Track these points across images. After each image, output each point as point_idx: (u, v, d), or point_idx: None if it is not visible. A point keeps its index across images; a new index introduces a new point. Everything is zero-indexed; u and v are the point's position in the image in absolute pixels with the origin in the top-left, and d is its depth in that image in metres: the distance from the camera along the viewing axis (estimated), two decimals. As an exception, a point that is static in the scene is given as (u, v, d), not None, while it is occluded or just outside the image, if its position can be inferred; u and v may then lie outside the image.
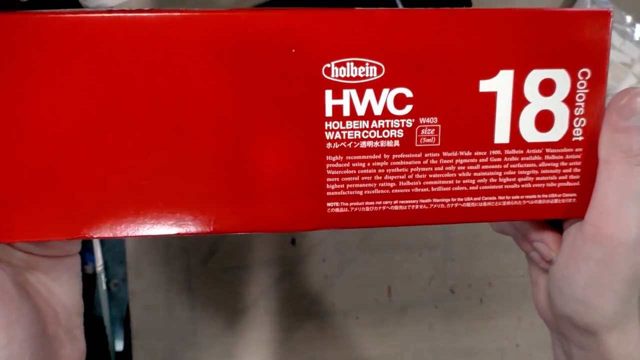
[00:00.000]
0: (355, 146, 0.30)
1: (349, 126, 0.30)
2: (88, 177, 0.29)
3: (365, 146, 0.30)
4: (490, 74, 0.30)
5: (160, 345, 0.66)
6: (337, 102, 0.29)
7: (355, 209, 0.31)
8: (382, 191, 0.31)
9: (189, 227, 0.30)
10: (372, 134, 0.30)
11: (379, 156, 0.30)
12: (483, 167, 0.31)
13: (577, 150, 0.31)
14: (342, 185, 0.30)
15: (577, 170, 0.31)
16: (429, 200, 0.31)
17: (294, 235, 0.65)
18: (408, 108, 0.30)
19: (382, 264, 0.66)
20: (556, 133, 0.31)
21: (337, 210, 0.31)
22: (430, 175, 0.31)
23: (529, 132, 0.30)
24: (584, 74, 0.30)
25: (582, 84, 0.30)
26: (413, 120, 0.30)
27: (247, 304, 0.66)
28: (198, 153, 0.29)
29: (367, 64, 0.29)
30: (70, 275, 0.34)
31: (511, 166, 0.31)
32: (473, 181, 0.31)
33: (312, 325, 0.67)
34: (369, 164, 0.30)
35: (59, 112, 0.28)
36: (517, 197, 0.31)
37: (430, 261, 0.66)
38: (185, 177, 0.30)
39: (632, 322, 0.33)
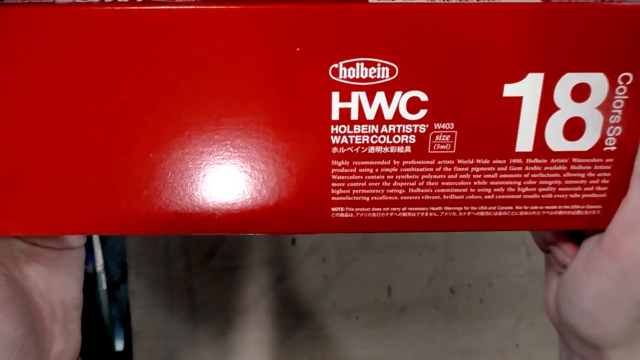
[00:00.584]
0: (362, 151, 0.28)
1: (356, 130, 0.27)
2: (89, 171, 0.28)
3: (373, 151, 0.28)
4: (517, 77, 0.27)
5: (160, 345, 0.65)
6: (345, 105, 0.27)
7: (361, 214, 0.29)
8: (391, 197, 0.29)
9: (191, 226, 0.29)
10: (382, 139, 0.28)
11: (388, 162, 0.28)
12: (501, 176, 0.28)
13: (607, 160, 0.28)
14: (348, 191, 0.29)
15: (605, 181, 0.29)
16: (439, 208, 0.29)
17: (294, 235, 0.65)
18: (422, 113, 0.27)
19: (382, 264, 0.65)
20: (586, 142, 0.28)
21: (341, 215, 0.29)
22: (443, 183, 0.28)
23: (556, 141, 0.28)
24: (625, 79, 0.27)
25: (621, 90, 0.27)
26: (427, 125, 0.27)
27: (247, 304, 0.65)
28: (196, 152, 0.28)
29: (378, 65, 0.26)
30: (71, 268, 0.33)
31: (532, 176, 0.28)
32: (489, 190, 0.29)
33: (312, 325, 0.66)
34: (377, 170, 0.28)
35: (55, 105, 0.27)
36: (536, 207, 0.29)
37: (430, 261, 0.65)
38: (186, 174, 0.28)
39: (639, 340, 0.31)
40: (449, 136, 0.28)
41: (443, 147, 0.28)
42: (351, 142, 0.28)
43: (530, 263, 0.66)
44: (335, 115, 0.27)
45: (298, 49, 0.26)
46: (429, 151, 0.28)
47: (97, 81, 0.27)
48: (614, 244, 0.29)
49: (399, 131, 0.28)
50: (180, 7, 0.26)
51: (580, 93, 0.27)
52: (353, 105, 0.27)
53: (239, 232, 0.29)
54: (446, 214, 0.29)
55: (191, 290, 0.65)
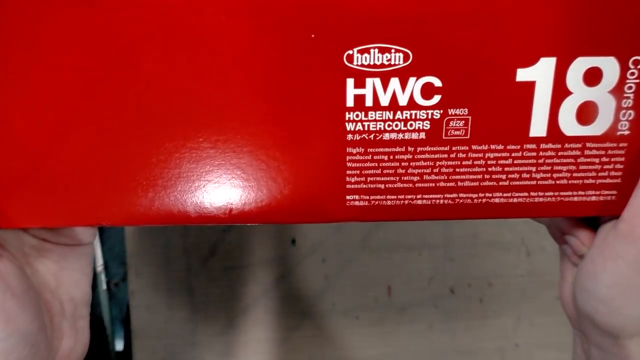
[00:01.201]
0: (377, 138, 0.28)
1: (371, 117, 0.27)
2: (103, 161, 0.28)
3: (388, 138, 0.28)
4: (530, 61, 0.27)
5: (160, 345, 0.65)
6: (359, 91, 0.27)
7: (376, 202, 0.29)
8: (405, 185, 0.29)
9: (207, 215, 0.29)
10: (396, 125, 0.28)
11: (403, 149, 0.28)
12: (515, 161, 0.28)
13: (621, 145, 0.28)
14: (363, 178, 0.28)
15: (619, 166, 0.28)
16: (454, 195, 0.29)
17: (294, 235, 0.65)
18: (436, 98, 0.27)
19: (382, 263, 0.65)
20: (599, 126, 0.28)
21: (356, 203, 0.29)
22: (458, 170, 0.28)
23: (569, 125, 0.28)
24: (636, 62, 0.27)
25: (632, 73, 0.27)
26: (441, 111, 0.27)
27: (247, 304, 0.65)
28: (211, 140, 0.28)
29: (392, 51, 0.26)
30: (81, 264, 0.33)
31: (547, 161, 0.28)
32: (504, 176, 0.29)
33: (312, 325, 0.66)
34: (391, 157, 0.28)
35: (69, 95, 0.27)
36: (551, 193, 0.29)
37: (430, 261, 0.65)
38: (201, 164, 0.28)
39: None
40: (463, 122, 0.28)
41: (457, 132, 0.28)
42: (366, 128, 0.28)
43: (530, 263, 0.66)
44: (350, 102, 0.27)
45: (313, 36, 0.26)
46: (444, 137, 0.28)
47: (112, 70, 0.27)
48: (630, 228, 0.28)
49: (413, 117, 0.28)
50: None
51: (592, 77, 0.27)
52: (367, 92, 0.27)
53: (254, 222, 0.29)
54: (461, 201, 0.29)
55: (191, 290, 0.64)
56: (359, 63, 0.27)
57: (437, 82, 0.27)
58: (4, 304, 0.28)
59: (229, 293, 0.65)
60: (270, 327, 0.65)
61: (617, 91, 0.27)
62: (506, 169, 0.29)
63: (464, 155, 0.28)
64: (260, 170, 0.28)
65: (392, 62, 0.27)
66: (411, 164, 0.28)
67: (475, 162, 0.28)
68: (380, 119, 0.28)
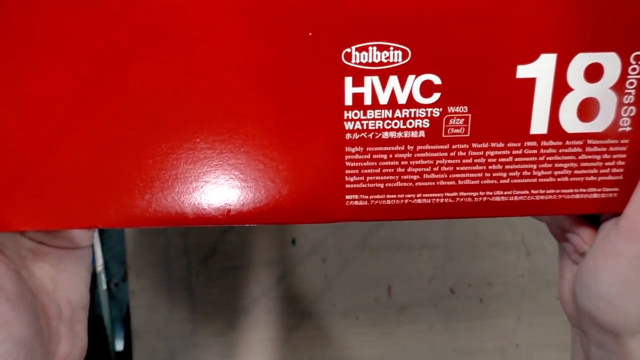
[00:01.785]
0: (376, 137, 0.27)
1: (370, 116, 0.27)
2: (99, 162, 0.27)
3: (387, 137, 0.27)
4: (530, 58, 0.26)
5: (160, 345, 0.65)
6: (358, 90, 0.27)
7: (376, 202, 0.28)
8: (405, 184, 0.28)
9: (204, 216, 0.29)
10: (395, 124, 0.27)
11: (402, 147, 0.28)
12: (516, 159, 0.28)
13: (622, 141, 0.28)
14: (362, 178, 0.28)
15: (621, 163, 0.28)
16: (455, 194, 0.29)
17: (294, 235, 0.64)
18: (435, 96, 0.27)
19: (382, 264, 0.65)
20: (601, 123, 0.27)
21: (356, 203, 0.28)
22: (458, 168, 0.28)
23: (570, 122, 0.27)
24: (638, 58, 0.27)
25: (634, 69, 0.27)
26: (440, 109, 0.27)
27: (247, 304, 0.64)
28: (208, 140, 0.27)
29: (391, 48, 0.26)
30: (78, 268, 0.33)
31: (547, 159, 0.28)
32: (504, 174, 0.28)
33: (312, 325, 0.66)
34: (391, 156, 0.28)
35: (64, 97, 0.26)
36: (552, 191, 0.29)
37: (430, 261, 0.65)
38: (199, 164, 0.28)
39: None
40: (463, 120, 0.27)
41: (457, 131, 0.28)
42: (365, 127, 0.27)
43: (530, 263, 0.65)
44: (348, 101, 0.27)
45: (310, 34, 0.26)
46: (443, 135, 0.28)
47: (107, 71, 0.26)
48: (632, 225, 0.28)
49: (412, 116, 0.27)
50: None
51: (593, 73, 0.27)
52: (366, 90, 0.27)
53: (253, 222, 0.29)
54: (462, 199, 0.29)
55: (191, 290, 0.64)
56: (357, 61, 0.26)
57: (436, 80, 0.27)
58: (0, 308, 0.27)
59: (229, 293, 0.65)
60: (270, 327, 0.65)
61: (619, 87, 0.27)
62: (507, 167, 0.28)
63: (464, 154, 0.28)
64: (258, 170, 0.28)
65: (391, 60, 0.26)
66: (411, 162, 0.28)
67: (476, 161, 0.28)
68: (379, 117, 0.27)
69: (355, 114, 0.27)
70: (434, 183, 0.28)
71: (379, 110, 0.27)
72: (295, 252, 0.65)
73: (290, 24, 0.26)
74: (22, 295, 0.29)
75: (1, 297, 0.28)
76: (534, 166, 0.28)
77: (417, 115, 0.27)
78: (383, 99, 0.27)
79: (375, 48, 0.26)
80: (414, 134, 0.28)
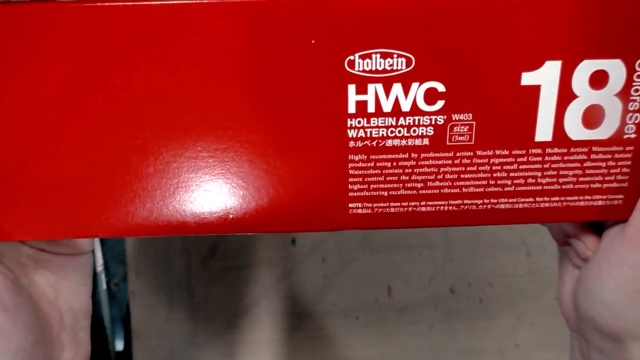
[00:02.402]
0: (380, 145, 0.27)
1: (373, 123, 0.27)
2: (98, 171, 0.27)
3: (391, 145, 0.27)
4: (535, 65, 0.26)
5: (160, 345, 0.65)
6: (361, 97, 0.26)
7: (379, 210, 0.28)
8: (409, 192, 0.28)
9: (206, 225, 0.28)
10: (399, 131, 0.27)
11: (406, 155, 0.27)
12: (521, 167, 0.28)
13: (628, 148, 0.28)
14: (366, 186, 0.28)
15: (626, 170, 0.28)
16: (459, 202, 0.28)
17: (294, 235, 0.64)
18: (440, 104, 0.27)
19: (382, 264, 0.65)
20: (606, 130, 0.27)
21: (359, 211, 0.28)
22: (462, 176, 0.28)
23: (575, 129, 0.27)
24: None
25: (639, 76, 0.27)
26: (445, 116, 0.27)
27: (247, 304, 0.64)
28: (210, 148, 0.27)
29: (395, 56, 0.26)
30: (79, 274, 0.33)
31: (552, 166, 0.28)
32: (509, 182, 0.28)
33: (312, 325, 0.66)
34: (395, 164, 0.28)
35: (62, 105, 0.26)
36: (557, 198, 0.28)
37: (430, 261, 0.65)
38: (200, 173, 0.28)
39: None
40: (468, 127, 0.27)
41: (461, 138, 0.27)
42: (368, 135, 0.27)
43: (530, 263, 0.65)
44: (351, 109, 0.27)
45: (313, 42, 0.26)
46: (448, 143, 0.27)
47: (102, 80, 0.26)
48: (637, 234, 0.28)
49: (416, 123, 0.27)
50: (193, 2, 0.25)
51: (599, 80, 0.27)
52: (370, 98, 0.27)
53: (255, 231, 0.29)
54: (466, 207, 0.29)
55: (191, 290, 0.64)
56: (361, 69, 0.26)
57: (440, 87, 0.26)
58: None
59: (229, 293, 0.65)
60: (270, 327, 0.65)
61: (624, 94, 0.27)
62: (511, 174, 0.28)
63: (469, 161, 0.28)
64: (261, 178, 0.28)
65: (395, 68, 0.26)
66: (415, 170, 0.28)
67: (480, 168, 0.28)
68: (383, 125, 0.27)
69: (359, 122, 0.27)
70: (438, 191, 0.28)
71: (383, 118, 0.27)
72: (295, 252, 0.65)
73: (293, 32, 0.25)
74: (20, 305, 0.29)
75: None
76: (539, 173, 0.28)
77: (421, 123, 0.27)
78: (387, 106, 0.27)
79: (378, 55, 0.26)
80: (418, 142, 0.27)
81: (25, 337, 0.28)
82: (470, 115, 0.27)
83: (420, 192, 0.28)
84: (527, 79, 0.26)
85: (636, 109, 0.27)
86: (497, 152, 0.28)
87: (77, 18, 0.25)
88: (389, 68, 0.26)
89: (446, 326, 0.66)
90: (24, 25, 0.25)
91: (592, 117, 0.27)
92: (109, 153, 0.27)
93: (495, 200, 0.29)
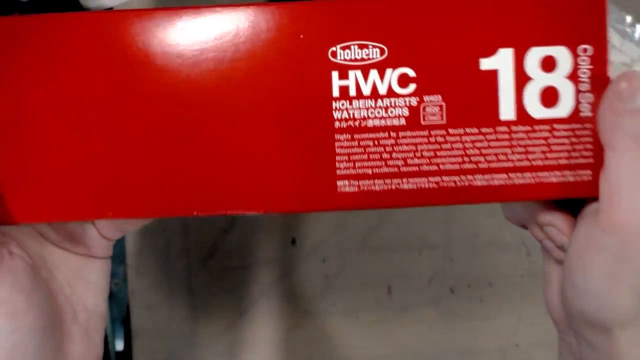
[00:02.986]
0: (362, 125, 0.31)
1: (355, 105, 0.31)
2: (101, 153, 0.30)
3: (372, 125, 0.31)
4: (490, 52, 0.30)
5: (160, 345, 0.65)
6: (344, 82, 0.30)
7: (365, 187, 0.31)
8: (391, 169, 0.31)
9: (200, 206, 0.31)
10: (378, 112, 0.31)
11: (386, 134, 0.31)
12: (491, 144, 0.31)
13: (586, 126, 0.30)
14: (351, 164, 0.31)
15: (589, 146, 0.31)
16: (438, 179, 0.31)
17: (294, 235, 0.65)
18: (412, 87, 0.30)
19: (382, 264, 0.65)
20: (563, 109, 0.30)
21: (347, 189, 0.31)
22: (438, 153, 0.31)
23: (535, 108, 0.30)
24: (585, 50, 0.30)
25: (584, 60, 0.30)
26: (417, 98, 0.31)
27: (248, 304, 0.65)
28: (205, 136, 0.30)
29: (370, 46, 0.30)
30: (96, 277, 0.35)
31: (520, 143, 0.31)
32: (482, 159, 0.31)
33: (312, 325, 0.66)
34: (376, 142, 0.31)
35: (72, 103, 0.30)
36: (529, 174, 0.31)
37: (430, 261, 0.66)
38: (196, 160, 0.31)
39: None
40: (439, 107, 0.31)
41: (434, 118, 0.31)
42: (351, 116, 0.31)
43: (530, 263, 0.66)
44: (335, 92, 0.31)
45: (301, 36, 0.30)
46: (422, 122, 0.31)
47: (110, 74, 0.30)
48: (609, 219, 0.29)
49: (392, 104, 0.31)
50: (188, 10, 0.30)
51: (549, 64, 0.30)
52: (351, 83, 0.31)
53: (249, 211, 0.31)
54: (445, 184, 0.31)
55: (191, 290, 0.65)
56: (342, 58, 0.31)
57: (411, 73, 0.30)
58: (12, 298, 0.29)
59: (229, 293, 0.65)
60: (270, 327, 0.66)
61: (573, 77, 0.30)
62: (483, 151, 0.31)
63: (443, 139, 0.31)
64: (254, 160, 0.31)
65: (370, 57, 0.30)
66: (395, 148, 0.31)
67: (454, 146, 0.31)
68: (364, 106, 0.31)
69: (342, 104, 0.31)
70: (417, 168, 0.31)
71: (363, 100, 0.31)
72: (295, 252, 0.65)
73: (285, 29, 0.30)
74: (35, 289, 0.30)
75: (15, 288, 0.29)
76: (509, 150, 0.31)
77: (396, 104, 0.31)
78: (366, 90, 0.31)
79: (356, 46, 0.30)
80: (395, 122, 0.31)
81: (38, 319, 0.30)
82: (440, 96, 0.31)
83: (401, 169, 0.31)
84: (485, 64, 0.30)
85: (587, 89, 0.30)
86: (468, 130, 0.31)
87: (79, 26, 0.30)
88: (365, 57, 0.31)
89: (446, 326, 0.67)
90: (36, 33, 0.30)
91: (549, 97, 0.31)
92: (112, 136, 0.31)
93: (472, 177, 0.31)
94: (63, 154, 0.30)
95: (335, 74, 0.30)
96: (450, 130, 0.31)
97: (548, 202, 0.33)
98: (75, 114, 0.30)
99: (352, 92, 0.31)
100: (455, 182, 0.31)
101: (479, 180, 0.31)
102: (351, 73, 0.30)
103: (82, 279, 0.34)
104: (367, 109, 0.31)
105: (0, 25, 0.30)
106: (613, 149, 0.29)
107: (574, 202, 0.33)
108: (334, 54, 0.30)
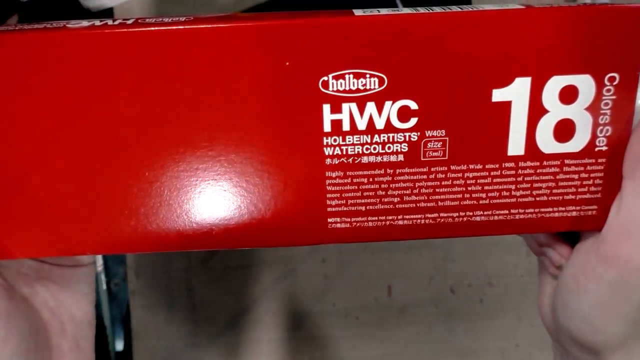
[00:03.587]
0: (356, 161, 0.28)
1: (349, 141, 0.28)
2: (85, 191, 0.28)
3: (367, 161, 0.28)
4: (505, 82, 0.27)
5: (160, 345, 0.65)
6: (336, 116, 0.27)
7: (358, 224, 0.29)
8: (386, 206, 0.29)
9: (189, 242, 0.29)
10: (374, 148, 0.28)
11: (382, 171, 0.28)
12: (495, 180, 0.28)
13: (599, 160, 0.28)
14: (343, 201, 0.29)
15: (599, 182, 0.29)
16: (435, 215, 0.29)
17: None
18: (413, 121, 0.27)
19: (382, 264, 0.65)
20: (577, 143, 0.28)
21: (338, 225, 0.29)
22: (437, 190, 0.29)
23: (547, 143, 0.28)
24: (612, 79, 0.27)
25: (608, 90, 0.27)
26: (418, 133, 0.28)
27: (248, 304, 0.65)
28: (191, 168, 0.28)
29: (367, 76, 0.27)
30: (80, 285, 0.34)
31: (526, 179, 0.29)
32: (483, 195, 0.29)
33: (312, 325, 0.66)
34: (371, 180, 0.28)
35: (50, 127, 0.27)
36: (532, 210, 0.29)
37: (430, 261, 0.65)
38: (182, 191, 0.28)
39: (639, 342, 0.30)
40: (441, 143, 0.28)
41: (435, 154, 0.28)
42: (344, 152, 0.28)
43: (530, 263, 0.65)
44: (327, 127, 0.28)
45: (287, 64, 0.26)
46: (422, 159, 0.28)
47: (90, 101, 0.27)
48: (611, 251, 0.28)
49: (391, 140, 0.28)
50: (171, 28, 0.26)
51: (568, 95, 0.27)
52: (344, 117, 0.27)
53: (237, 246, 0.29)
54: (442, 220, 0.29)
55: (191, 290, 0.64)
56: (335, 89, 0.27)
57: (413, 105, 0.27)
58: None
59: (229, 293, 0.65)
60: (270, 327, 0.65)
61: (594, 108, 0.27)
62: (486, 187, 0.29)
63: (443, 176, 0.29)
64: (241, 196, 0.29)
65: (368, 87, 0.27)
66: (391, 185, 0.29)
67: (455, 182, 0.29)
68: (358, 142, 0.28)
69: (335, 140, 0.28)
70: (414, 205, 0.29)
71: (358, 136, 0.28)
72: (295, 252, 0.65)
73: (268, 55, 0.26)
74: (13, 313, 0.29)
75: None
76: (513, 186, 0.29)
77: (395, 140, 0.28)
78: (361, 124, 0.28)
79: (351, 76, 0.27)
80: (393, 158, 0.28)
81: (19, 344, 0.29)
82: (443, 131, 0.28)
83: (397, 206, 0.29)
84: (498, 95, 0.27)
85: (606, 122, 0.28)
86: (471, 166, 0.28)
87: (74, 44, 0.26)
88: (362, 88, 0.27)
89: (446, 326, 0.66)
90: (22, 52, 0.26)
91: (564, 130, 0.28)
92: (92, 174, 0.28)
93: (471, 213, 0.29)
94: (37, 189, 0.28)
95: (326, 107, 0.27)
96: (453, 167, 0.28)
97: None
98: (53, 143, 0.28)
99: (346, 126, 0.27)
100: (453, 217, 0.29)
101: (479, 216, 0.29)
102: (345, 106, 0.27)
103: (67, 290, 0.33)
104: (362, 144, 0.28)
105: None
106: (634, 181, 0.27)
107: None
108: (325, 85, 0.27)
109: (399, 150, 0.28)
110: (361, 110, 0.27)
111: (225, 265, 0.64)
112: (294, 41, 0.26)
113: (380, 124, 0.28)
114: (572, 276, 0.31)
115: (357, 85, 0.27)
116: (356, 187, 0.29)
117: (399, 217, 0.29)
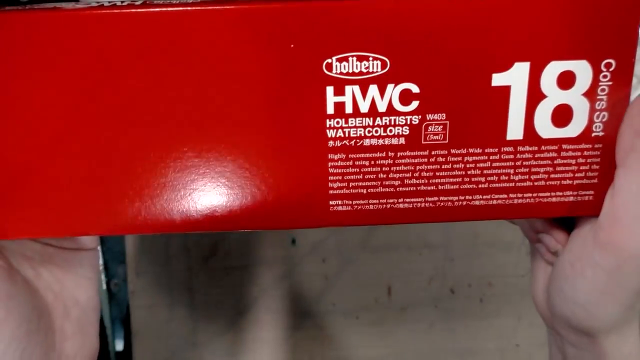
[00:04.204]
0: (358, 144, 0.28)
1: (351, 124, 0.28)
2: (90, 171, 0.28)
3: (368, 144, 0.28)
4: (504, 66, 0.27)
5: (160, 345, 0.65)
6: (339, 99, 0.28)
7: (359, 207, 0.29)
8: (387, 189, 0.29)
9: (192, 224, 0.29)
10: (376, 131, 0.28)
11: (384, 154, 0.29)
12: (494, 164, 0.29)
13: (596, 146, 0.29)
14: (345, 184, 0.29)
15: (595, 167, 0.29)
16: (435, 199, 0.29)
17: (294, 235, 0.64)
18: (414, 104, 0.28)
19: (382, 264, 0.65)
20: (574, 128, 0.28)
21: (339, 208, 0.29)
22: (438, 173, 0.29)
23: (545, 128, 0.28)
24: (608, 65, 0.27)
25: (605, 76, 0.28)
26: (419, 116, 0.28)
27: (248, 304, 0.65)
28: (196, 149, 0.28)
29: (370, 59, 0.27)
30: (85, 269, 0.34)
31: (524, 163, 0.29)
32: (483, 179, 0.29)
33: (312, 325, 0.66)
34: (372, 162, 0.29)
35: (56, 108, 0.27)
36: (530, 194, 0.29)
37: (430, 261, 0.65)
38: (186, 172, 0.29)
39: (632, 324, 0.31)
40: (441, 126, 0.28)
41: (436, 137, 0.28)
42: (347, 135, 0.28)
43: (530, 263, 0.65)
44: (330, 109, 0.28)
45: (292, 46, 0.27)
46: (423, 142, 0.29)
47: (96, 82, 0.27)
48: (608, 237, 0.28)
49: (392, 123, 0.28)
50: (177, 9, 0.26)
51: (566, 80, 0.28)
52: (347, 99, 0.28)
53: (240, 228, 0.30)
54: (442, 204, 0.30)
55: (191, 290, 0.64)
56: (338, 71, 0.27)
57: (414, 89, 0.28)
58: None
59: (229, 293, 0.65)
60: (270, 327, 0.65)
61: (591, 94, 0.28)
62: (485, 171, 0.29)
63: (444, 159, 0.29)
64: (244, 177, 0.29)
65: (370, 70, 0.27)
66: (392, 168, 0.29)
67: (455, 166, 0.29)
68: (361, 125, 0.28)
69: (337, 122, 0.28)
70: (415, 188, 0.29)
71: (360, 118, 0.28)
72: (295, 252, 0.65)
73: (273, 37, 0.27)
74: (14, 295, 0.29)
75: None
76: (511, 171, 0.29)
77: (397, 123, 0.28)
78: (364, 107, 0.28)
79: (355, 58, 0.27)
80: (394, 141, 0.29)
81: (19, 326, 0.29)
82: (444, 115, 0.28)
83: (397, 189, 0.29)
84: (498, 79, 0.28)
85: (603, 107, 0.28)
86: (471, 150, 0.29)
87: (81, 24, 0.27)
88: (365, 70, 0.27)
89: (446, 326, 0.66)
90: (26, 31, 0.27)
91: (561, 116, 0.28)
92: (98, 154, 0.28)
93: (470, 197, 0.30)
94: (45, 167, 0.28)
95: (330, 90, 0.27)
96: (453, 150, 0.29)
97: None
98: (58, 124, 0.28)
99: (349, 109, 0.28)
100: (452, 201, 0.29)
101: (478, 200, 0.29)
102: (348, 88, 0.27)
103: (72, 273, 0.33)
104: (365, 127, 0.28)
105: None
106: (626, 169, 0.28)
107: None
108: (329, 67, 0.27)
109: (401, 133, 0.28)
110: (364, 93, 0.28)
111: (225, 265, 0.64)
112: (298, 24, 0.27)
113: (382, 106, 0.28)
114: (568, 262, 0.31)
115: (360, 68, 0.27)
116: (358, 170, 0.29)
117: (400, 200, 0.29)
